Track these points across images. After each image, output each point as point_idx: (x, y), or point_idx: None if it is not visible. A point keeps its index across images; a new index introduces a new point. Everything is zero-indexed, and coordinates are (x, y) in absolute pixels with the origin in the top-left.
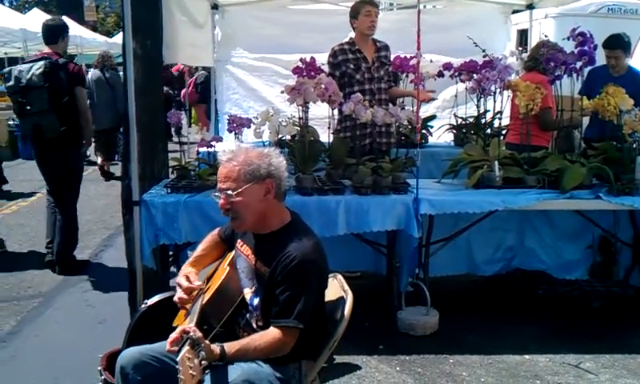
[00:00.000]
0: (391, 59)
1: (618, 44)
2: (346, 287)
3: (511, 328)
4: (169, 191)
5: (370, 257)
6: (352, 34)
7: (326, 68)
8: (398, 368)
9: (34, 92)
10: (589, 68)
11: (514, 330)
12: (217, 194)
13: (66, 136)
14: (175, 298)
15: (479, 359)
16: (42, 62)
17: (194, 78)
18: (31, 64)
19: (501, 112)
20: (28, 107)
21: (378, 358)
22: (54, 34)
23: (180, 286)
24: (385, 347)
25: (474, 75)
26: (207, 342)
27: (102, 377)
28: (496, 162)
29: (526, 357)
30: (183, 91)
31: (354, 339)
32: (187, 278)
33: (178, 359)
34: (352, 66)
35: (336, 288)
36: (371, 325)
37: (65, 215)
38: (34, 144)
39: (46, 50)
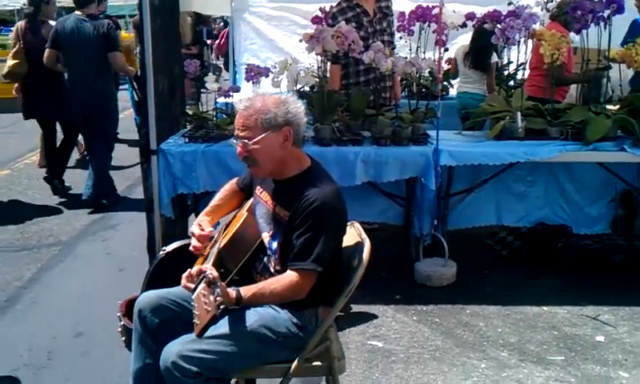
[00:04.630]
0: (392, 9)
1: None
2: (364, 235)
3: (529, 280)
4: (186, 141)
5: (388, 209)
6: None
7: None
8: (414, 318)
9: None
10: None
11: (533, 283)
12: (234, 141)
13: None
14: (190, 248)
15: (496, 310)
16: None
17: (226, 29)
18: None
19: (525, 63)
20: None
21: (394, 307)
22: None
23: (193, 234)
24: (402, 297)
25: (498, 25)
26: (223, 284)
27: (121, 322)
28: (519, 113)
29: (544, 308)
30: (216, 43)
31: (370, 289)
32: (200, 227)
33: (193, 296)
34: (353, 23)
35: (353, 235)
36: (388, 276)
37: None
38: None
39: None
